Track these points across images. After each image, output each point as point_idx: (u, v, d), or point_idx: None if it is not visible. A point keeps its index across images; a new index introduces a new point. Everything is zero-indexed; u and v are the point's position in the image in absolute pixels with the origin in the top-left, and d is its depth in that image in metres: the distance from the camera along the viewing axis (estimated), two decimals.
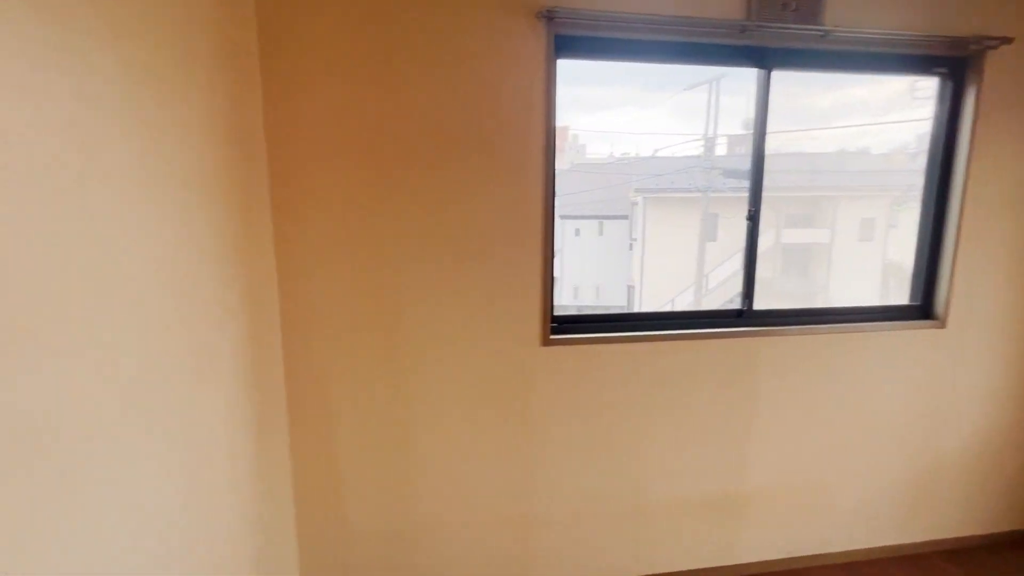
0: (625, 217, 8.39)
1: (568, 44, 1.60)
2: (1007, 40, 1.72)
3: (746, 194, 1.84)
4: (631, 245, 8.16)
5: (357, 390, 1.60)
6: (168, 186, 0.97)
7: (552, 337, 1.70)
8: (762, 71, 1.75)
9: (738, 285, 1.94)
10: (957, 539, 2.12)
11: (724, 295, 6.34)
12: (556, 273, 1.77)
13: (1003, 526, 2.14)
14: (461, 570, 1.76)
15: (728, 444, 1.88)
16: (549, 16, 1.51)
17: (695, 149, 6.91)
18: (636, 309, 6.77)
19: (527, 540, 1.80)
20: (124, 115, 0.86)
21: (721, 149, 6.52)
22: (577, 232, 9.29)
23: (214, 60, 1.15)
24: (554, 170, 1.65)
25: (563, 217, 8.51)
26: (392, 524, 1.68)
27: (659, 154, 7.68)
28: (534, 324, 1.68)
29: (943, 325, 1.93)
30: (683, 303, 7.04)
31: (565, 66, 1.63)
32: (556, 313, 1.74)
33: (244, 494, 1.27)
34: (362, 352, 1.58)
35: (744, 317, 1.88)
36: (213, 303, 1.13)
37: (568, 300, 9.14)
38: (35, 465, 0.66)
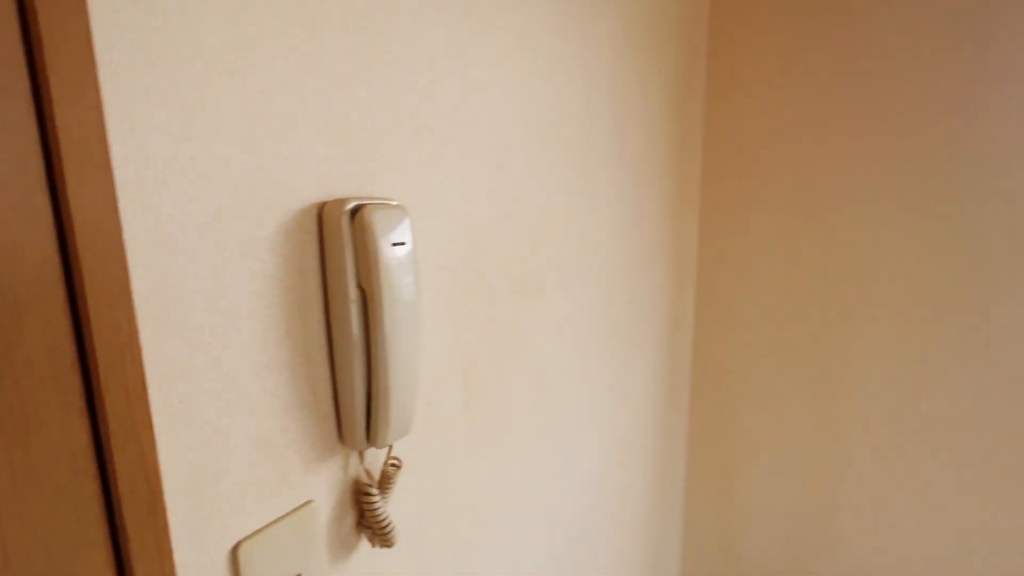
0: None
1: None
2: None
3: None
4: None
5: (770, 372, 1.44)
6: (629, 160, 1.02)
7: None
8: None
9: None
10: None
11: None
12: None
13: None
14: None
15: None
16: None
17: None
18: None
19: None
20: (611, 85, 0.91)
21: None
22: None
23: (675, 30, 1.15)
24: None
25: None
26: (793, 508, 1.52)
27: None
28: None
29: None
30: None
31: None
32: None
33: (650, 466, 1.33)
34: (781, 344, 1.41)
35: None
36: (651, 275, 1.19)
37: None
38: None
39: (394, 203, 0.50)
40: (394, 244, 0.48)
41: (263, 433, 0.45)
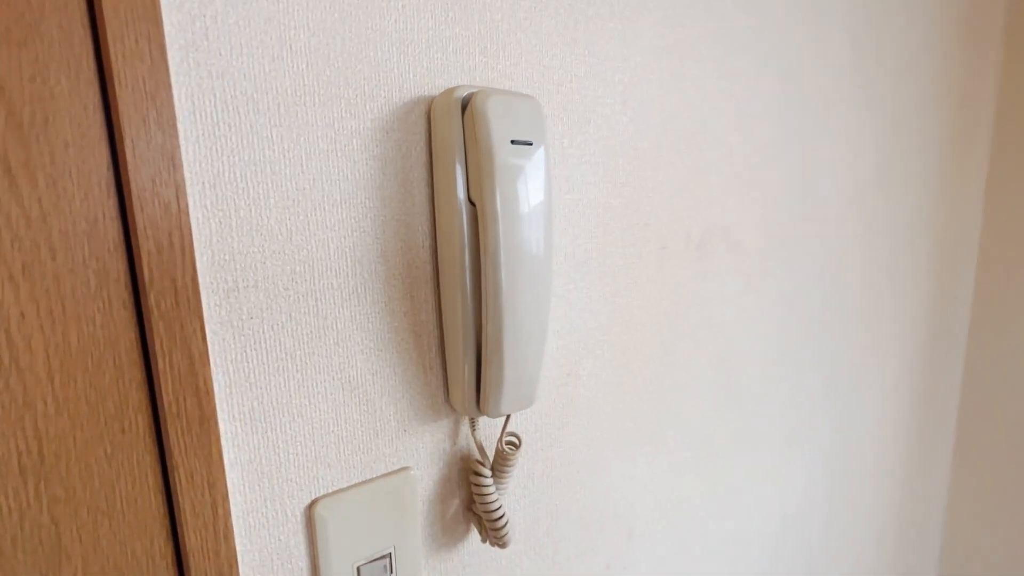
0: None
1: None
2: None
3: None
4: None
5: None
6: (877, 96, 0.76)
7: None
8: None
9: None
10: None
11: None
12: None
13: None
14: None
15: None
16: None
17: None
18: None
19: None
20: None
21: None
22: None
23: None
24: None
25: None
26: None
27: None
28: None
29: None
30: None
31: None
32: None
33: (885, 505, 0.99)
34: None
35: None
36: (902, 256, 0.87)
37: None
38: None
39: (522, 93, 0.38)
40: (515, 142, 0.36)
41: (348, 373, 0.37)
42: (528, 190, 0.36)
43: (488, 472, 0.43)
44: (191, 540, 0.31)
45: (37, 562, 0.27)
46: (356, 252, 0.36)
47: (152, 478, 0.30)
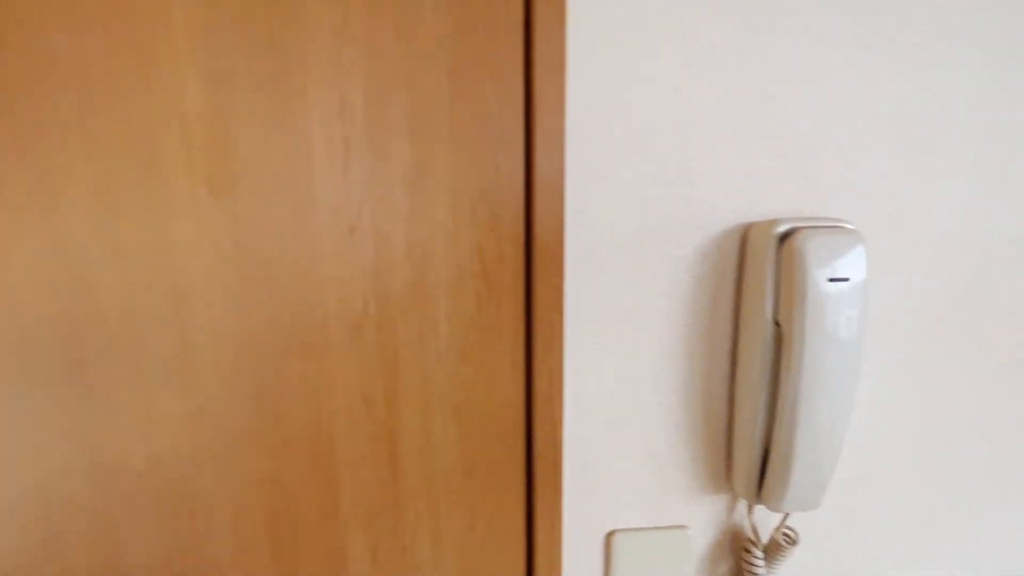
0: None
1: None
2: None
3: None
4: None
5: None
6: None
7: None
8: None
9: None
10: None
11: None
12: None
13: None
14: None
15: None
16: None
17: None
18: None
19: None
20: None
21: None
22: None
23: None
24: None
25: None
26: None
27: None
28: None
29: None
30: None
31: None
32: None
33: None
34: None
35: None
36: None
37: None
38: None
39: (847, 227, 0.40)
40: (832, 280, 0.38)
41: (652, 442, 0.47)
42: (839, 322, 0.39)
43: (760, 553, 0.47)
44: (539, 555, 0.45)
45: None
46: (669, 350, 0.45)
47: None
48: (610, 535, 0.48)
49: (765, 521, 0.49)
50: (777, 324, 0.41)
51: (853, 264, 0.39)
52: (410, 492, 0.45)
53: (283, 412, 0.42)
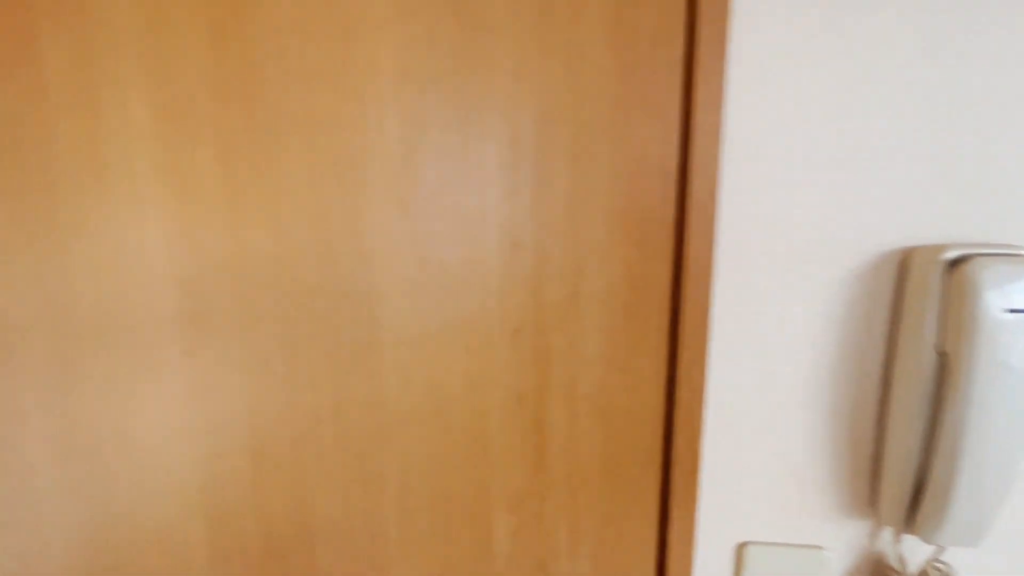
0: None
1: None
2: None
3: None
4: None
5: None
6: None
7: None
8: None
9: None
10: None
11: None
12: None
13: None
14: None
15: None
16: None
17: None
18: None
19: None
20: None
21: None
22: None
23: None
24: None
25: None
26: None
27: None
28: None
29: None
30: None
31: None
32: None
33: None
34: None
35: None
36: None
37: None
38: None
39: (1022, 253, 0.38)
40: (1011, 311, 0.37)
41: (791, 459, 0.47)
42: (1014, 354, 0.37)
43: None
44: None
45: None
46: (813, 371, 0.45)
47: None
48: (742, 546, 0.49)
49: (913, 552, 0.47)
50: (940, 352, 0.40)
51: None
52: (552, 484, 0.50)
53: (448, 402, 0.49)
